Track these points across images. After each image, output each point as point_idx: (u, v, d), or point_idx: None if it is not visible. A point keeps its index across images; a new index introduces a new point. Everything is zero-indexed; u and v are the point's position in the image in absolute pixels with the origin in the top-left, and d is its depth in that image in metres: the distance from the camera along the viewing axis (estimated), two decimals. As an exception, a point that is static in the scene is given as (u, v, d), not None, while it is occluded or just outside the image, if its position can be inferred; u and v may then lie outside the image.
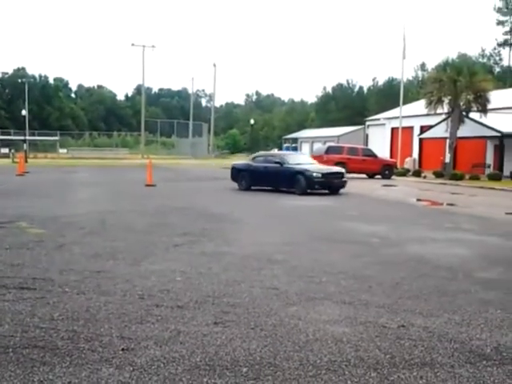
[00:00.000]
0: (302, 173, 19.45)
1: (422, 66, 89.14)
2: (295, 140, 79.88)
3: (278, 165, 20.31)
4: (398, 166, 36.94)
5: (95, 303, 5.50)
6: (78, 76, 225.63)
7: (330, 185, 19.67)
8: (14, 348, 4.27)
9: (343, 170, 20.71)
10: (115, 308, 5.35)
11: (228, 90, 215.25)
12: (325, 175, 19.45)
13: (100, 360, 4.08)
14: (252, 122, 60.28)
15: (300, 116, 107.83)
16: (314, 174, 19.27)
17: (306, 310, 5.39)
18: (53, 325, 4.82)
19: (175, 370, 3.93)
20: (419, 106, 38.49)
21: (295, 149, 74.39)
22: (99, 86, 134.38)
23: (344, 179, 20.17)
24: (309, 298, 5.86)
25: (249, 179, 21.27)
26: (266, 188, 21.04)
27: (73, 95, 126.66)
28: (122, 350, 4.28)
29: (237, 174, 22.06)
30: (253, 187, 21.06)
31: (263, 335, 4.67)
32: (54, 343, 4.40)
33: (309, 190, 19.34)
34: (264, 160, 21.64)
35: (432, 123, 37.30)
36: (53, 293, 5.86)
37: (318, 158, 29.84)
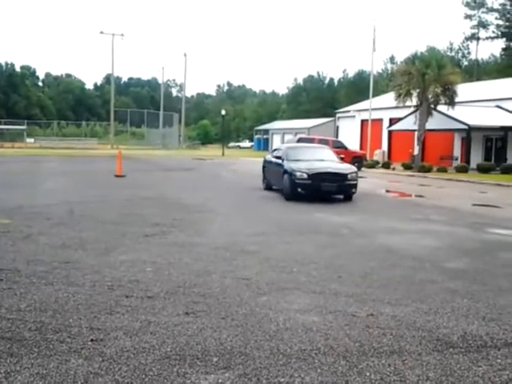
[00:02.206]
0: (288, 172, 14.98)
1: (392, 59, 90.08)
2: (266, 131, 79.97)
3: (279, 161, 16.38)
4: (368, 158, 37.36)
5: (63, 294, 5.42)
6: (46, 64, 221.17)
7: (319, 189, 14.44)
8: (-21, 340, 4.19)
9: (350, 170, 15.09)
10: (84, 299, 5.29)
11: (199, 80, 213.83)
12: (312, 176, 14.43)
13: (69, 351, 4.02)
14: (223, 112, 60.06)
15: (271, 107, 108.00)
16: (298, 174, 14.47)
17: (277, 300, 5.41)
18: (20, 316, 4.74)
19: (145, 360, 3.91)
20: (388, 99, 38.90)
21: (266, 140, 74.49)
22: (67, 75, 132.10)
23: (349, 182, 14.74)
24: (279, 287, 5.89)
25: (265, 177, 18.29)
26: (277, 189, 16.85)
27: (40, 83, 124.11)
28: (91, 340, 4.23)
29: (262, 170, 18.84)
30: (274, 187, 17.23)
31: (234, 325, 4.68)
32: (21, 334, 4.32)
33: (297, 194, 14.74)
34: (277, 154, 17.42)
35: (401, 116, 37.76)
36: (20, 283, 5.75)
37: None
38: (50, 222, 9.99)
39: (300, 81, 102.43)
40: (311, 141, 31.28)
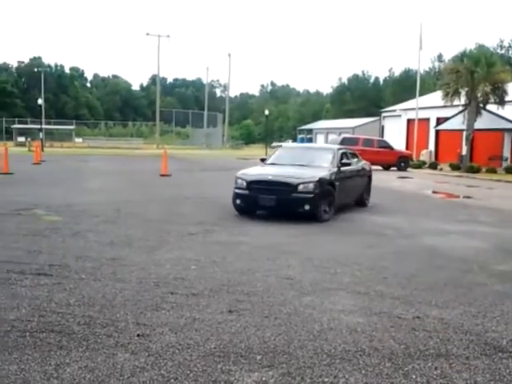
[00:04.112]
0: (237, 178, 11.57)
1: (439, 57, 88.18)
2: (310, 131, 79.64)
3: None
4: (414, 158, 36.69)
5: (111, 290, 5.54)
6: (94, 65, 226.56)
7: (256, 203, 10.99)
8: (31, 332, 4.33)
9: (306, 179, 10.79)
10: (131, 295, 5.40)
11: (243, 80, 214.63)
12: (249, 185, 11.03)
13: (116, 345, 4.12)
14: (267, 112, 60.08)
15: (315, 107, 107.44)
16: (238, 182, 11.26)
17: (321, 300, 5.39)
18: (69, 310, 4.88)
19: (190, 356, 3.96)
20: (436, 98, 38.10)
21: (310, 140, 74.25)
22: (114, 76, 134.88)
23: (299, 195, 10.63)
24: (323, 288, 5.86)
25: None
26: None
27: (88, 85, 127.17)
28: (138, 335, 4.32)
29: None
30: None
31: (277, 324, 4.68)
32: (70, 328, 4.45)
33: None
34: None
35: (449, 115, 36.91)
36: (69, 279, 5.92)
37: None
38: (98, 219, 10.22)
39: (344, 80, 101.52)
40: (356, 140, 30.98)
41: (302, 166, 11.78)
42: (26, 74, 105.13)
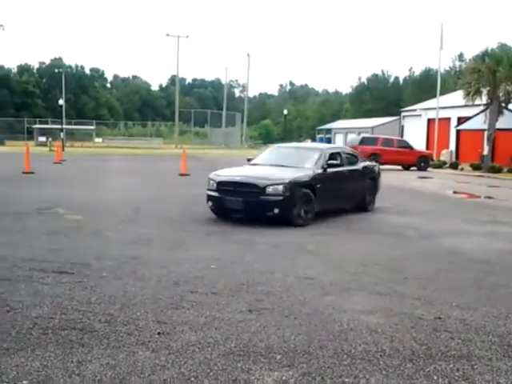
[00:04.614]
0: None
1: (460, 56, 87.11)
2: (329, 131, 79.36)
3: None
4: (435, 158, 36.31)
5: (131, 288, 5.58)
6: (114, 66, 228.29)
7: (224, 205, 10.40)
8: (53, 329, 4.38)
9: (275, 181, 10.02)
10: (151, 293, 5.43)
11: (261, 80, 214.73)
12: (218, 186, 10.43)
13: (136, 343, 4.14)
14: (285, 112, 60.05)
15: (334, 107, 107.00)
16: (210, 183, 10.66)
17: (341, 300, 5.37)
18: (90, 308, 4.92)
19: (210, 354, 3.97)
20: (457, 97, 37.68)
21: (329, 140, 74.03)
22: (134, 77, 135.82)
23: (267, 197, 9.84)
24: (343, 288, 5.84)
25: None
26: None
27: (108, 85, 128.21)
28: (158, 333, 4.34)
29: None
30: None
31: (297, 323, 4.67)
32: (91, 326, 4.49)
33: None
34: None
35: (470, 114, 36.51)
36: (90, 277, 5.97)
37: (353, 148, 29.56)
38: (117, 218, 10.31)
39: (364, 79, 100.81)
40: (375, 140, 30.79)
41: (283, 166, 11.02)
42: (47, 74, 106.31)
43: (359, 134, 46.60)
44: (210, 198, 10.56)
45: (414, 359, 4.01)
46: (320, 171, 10.94)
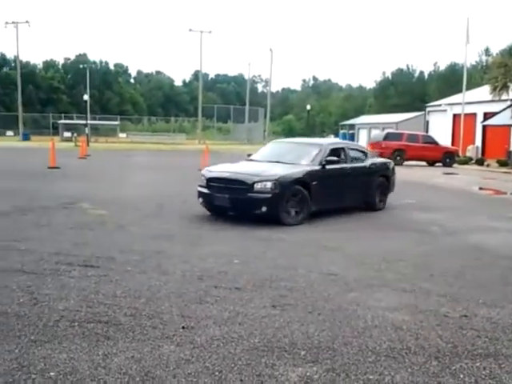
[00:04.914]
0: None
1: (487, 51, 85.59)
2: (352, 126, 78.82)
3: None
4: (460, 154, 35.83)
5: (156, 282, 5.63)
6: (138, 62, 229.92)
7: (212, 202, 10.08)
8: (79, 322, 4.43)
9: (263, 177, 9.59)
10: (175, 287, 5.46)
11: (284, 75, 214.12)
12: (208, 182, 10.15)
13: (161, 337, 4.18)
14: (308, 107, 59.93)
15: (358, 102, 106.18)
16: (202, 179, 10.40)
17: (365, 297, 5.33)
18: (116, 301, 4.97)
19: (234, 349, 3.98)
20: (483, 92, 37.11)
21: (352, 135, 73.51)
22: (158, 72, 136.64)
23: (255, 195, 9.43)
24: (367, 284, 5.80)
25: None
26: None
27: (132, 81, 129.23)
28: (183, 328, 4.37)
29: None
30: None
31: (321, 319, 4.66)
32: (117, 319, 4.53)
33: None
34: None
35: (496, 110, 35.89)
36: (115, 271, 6.04)
37: (376, 144, 29.30)
38: (141, 213, 10.39)
39: (388, 74, 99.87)
40: (400, 136, 30.48)
41: (278, 162, 10.56)
42: (72, 70, 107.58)
43: (383, 129, 46.16)
44: (200, 194, 10.25)
45: (440, 357, 3.96)
46: (317, 168, 10.40)
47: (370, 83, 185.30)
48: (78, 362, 3.71)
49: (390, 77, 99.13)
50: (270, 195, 9.39)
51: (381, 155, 29.28)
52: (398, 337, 4.32)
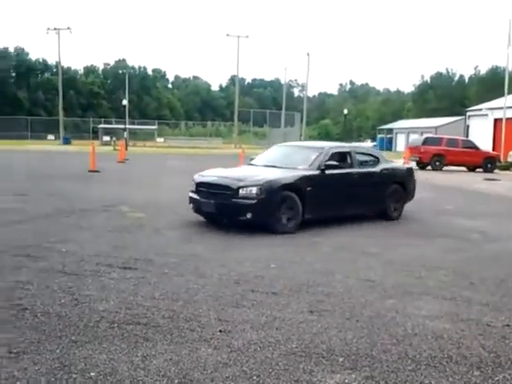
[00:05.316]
0: None
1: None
2: (390, 131, 77.97)
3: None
4: (502, 160, 35.01)
5: (193, 285, 5.66)
6: (175, 67, 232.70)
7: (200, 207, 9.68)
8: (119, 324, 4.49)
9: (249, 182, 9.12)
10: (212, 291, 5.49)
11: (321, 79, 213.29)
12: (197, 187, 9.83)
13: (199, 340, 4.20)
14: (345, 111, 59.47)
15: (395, 106, 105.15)
16: (192, 184, 10.10)
17: (404, 304, 5.25)
18: (154, 304, 5.02)
19: (271, 354, 3.97)
20: (526, 96, 36.18)
21: (390, 140, 72.66)
22: (195, 77, 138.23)
23: (240, 200, 8.96)
24: (406, 291, 5.71)
25: None
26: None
27: (170, 86, 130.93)
28: (220, 331, 4.38)
29: None
30: None
31: (359, 326, 4.60)
32: (155, 321, 4.58)
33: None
34: None
35: (540, 114, 34.97)
36: (153, 273, 6.10)
37: (415, 149, 28.87)
38: (178, 216, 10.48)
39: (427, 78, 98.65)
40: (439, 140, 29.95)
41: (275, 167, 10.12)
42: (111, 75, 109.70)
43: (422, 133, 45.50)
44: (190, 200, 9.90)
45: (482, 367, 3.87)
46: (315, 172, 9.78)
47: (408, 87, 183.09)
48: (118, 362, 3.76)
49: (428, 80, 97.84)
50: (254, 201, 8.91)
51: (420, 160, 29.09)
52: (438, 345, 4.23)
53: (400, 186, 11.31)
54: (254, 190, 8.98)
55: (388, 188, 11.00)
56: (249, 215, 8.92)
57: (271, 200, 8.98)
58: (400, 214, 11.18)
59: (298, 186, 9.38)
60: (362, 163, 10.90)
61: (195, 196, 9.74)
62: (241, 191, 9.00)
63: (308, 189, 9.44)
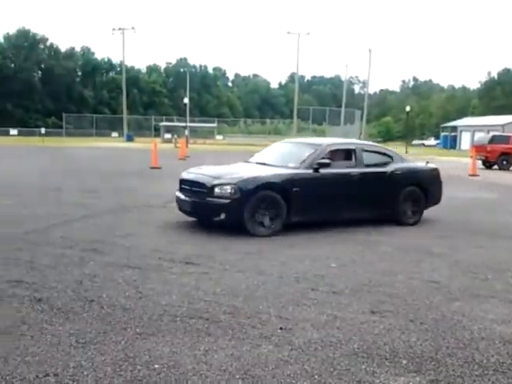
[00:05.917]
0: None
1: None
2: (454, 128, 75.70)
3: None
4: None
5: (253, 282, 5.69)
6: (235, 65, 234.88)
7: (181, 206, 9.28)
8: (181, 317, 4.57)
9: (225, 180, 8.55)
10: (272, 288, 5.49)
11: (383, 76, 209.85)
12: (180, 185, 9.50)
13: (260, 336, 4.20)
14: (408, 109, 58.14)
15: (460, 103, 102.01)
16: (179, 182, 9.71)
17: (471, 307, 5.08)
18: (215, 299, 5.08)
19: (333, 353, 3.93)
20: None
21: (454, 138, 70.61)
22: (255, 75, 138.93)
23: (214, 200, 8.41)
24: (473, 294, 5.52)
25: None
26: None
27: (230, 84, 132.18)
28: (280, 328, 4.37)
29: None
30: None
31: (423, 329, 4.49)
32: (216, 316, 4.62)
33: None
34: None
35: None
36: (214, 269, 6.17)
37: (481, 148, 27.92)
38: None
39: (494, 74, 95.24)
40: (507, 139, 28.82)
41: (265, 165, 9.47)
42: (173, 74, 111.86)
43: (488, 131, 43.94)
44: (176, 199, 9.41)
45: (555, 376, 3.69)
46: (306, 171, 8.97)
47: (473, 84, 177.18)
48: (181, 356, 3.82)
49: (495, 77, 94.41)
50: (228, 201, 8.31)
51: (486, 159, 28.10)
52: (507, 351, 4.07)
53: (419, 188, 10.11)
54: (228, 189, 8.40)
55: (402, 190, 9.86)
56: (222, 216, 8.36)
57: (247, 200, 8.33)
58: (418, 220, 10.06)
59: (281, 186, 8.64)
60: (370, 162, 9.81)
61: (178, 194, 9.35)
62: (216, 190, 8.45)
63: (295, 189, 8.69)
